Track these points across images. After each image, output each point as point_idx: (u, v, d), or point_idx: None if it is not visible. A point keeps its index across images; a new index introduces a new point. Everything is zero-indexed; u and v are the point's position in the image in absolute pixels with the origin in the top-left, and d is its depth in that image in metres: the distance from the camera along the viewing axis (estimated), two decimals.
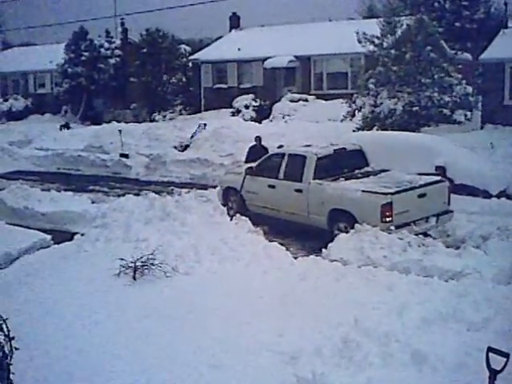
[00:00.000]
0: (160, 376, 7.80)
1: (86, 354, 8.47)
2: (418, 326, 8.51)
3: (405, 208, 13.76)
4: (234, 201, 17.11)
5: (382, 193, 13.72)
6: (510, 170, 19.24)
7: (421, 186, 14.42)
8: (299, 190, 15.22)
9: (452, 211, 15.04)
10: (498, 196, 17.49)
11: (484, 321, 8.42)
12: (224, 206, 16.89)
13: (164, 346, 8.61)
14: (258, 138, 19.64)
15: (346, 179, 15.00)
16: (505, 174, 18.47)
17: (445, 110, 25.20)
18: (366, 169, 16.06)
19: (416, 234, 13.44)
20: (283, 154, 16.21)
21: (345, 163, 15.89)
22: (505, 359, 5.53)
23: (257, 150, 19.00)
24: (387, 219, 13.48)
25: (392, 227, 13.39)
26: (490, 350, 5.63)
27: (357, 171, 15.77)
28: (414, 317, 8.82)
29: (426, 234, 14.09)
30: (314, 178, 15.05)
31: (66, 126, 40.78)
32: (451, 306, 9.09)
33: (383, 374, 7.34)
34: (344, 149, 16.21)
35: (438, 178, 15.42)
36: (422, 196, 14.22)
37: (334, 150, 15.87)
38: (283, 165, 15.87)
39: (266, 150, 19.05)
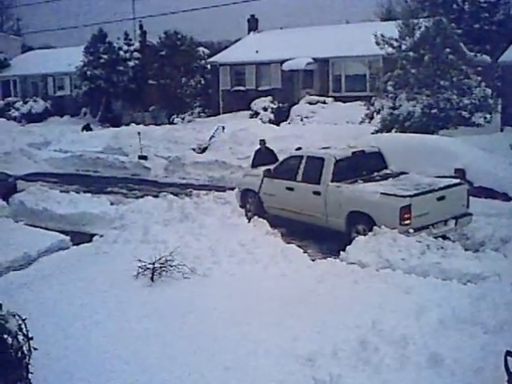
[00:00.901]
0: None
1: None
2: (436, 329, 8.49)
3: (424, 210, 13.69)
4: (252, 203, 17.10)
5: (400, 195, 13.65)
6: None
7: (440, 189, 14.34)
8: (317, 193, 15.17)
9: (471, 214, 14.94)
10: None
11: (502, 324, 8.38)
12: (242, 207, 16.95)
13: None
14: (263, 142, 19.63)
15: (365, 181, 14.92)
16: None
17: (464, 113, 25.13)
18: (385, 171, 15.94)
19: (435, 237, 13.40)
20: (301, 157, 16.14)
21: (363, 165, 15.77)
22: None
23: (262, 153, 19.08)
24: (406, 222, 13.42)
25: (411, 230, 13.33)
26: (508, 353, 5.60)
27: (375, 173, 15.66)
28: (431, 320, 8.80)
29: (444, 237, 14.04)
30: (332, 181, 14.99)
31: (87, 128, 40.97)
32: (469, 309, 9.05)
33: (400, 377, 7.34)
34: (362, 151, 16.11)
35: (457, 180, 15.35)
36: (440, 199, 14.15)
37: (353, 153, 15.78)
38: (301, 167, 15.82)
39: (271, 152, 19.19)
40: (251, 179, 17.43)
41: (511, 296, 9.61)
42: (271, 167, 16.87)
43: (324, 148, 16.93)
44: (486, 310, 8.89)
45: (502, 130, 28.47)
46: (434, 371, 7.43)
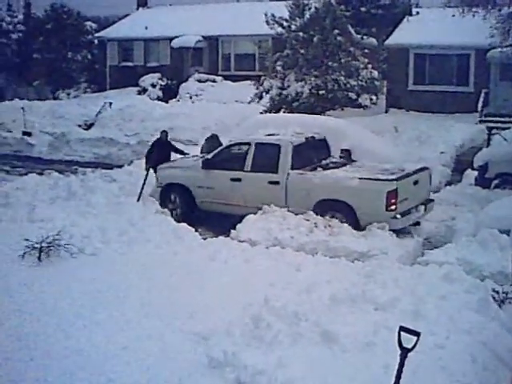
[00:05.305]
0: None
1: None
2: (327, 306, 8.60)
3: (405, 196, 13.02)
4: (180, 200, 15.23)
5: (386, 179, 12.97)
6: (413, 153, 19.76)
7: (414, 173, 13.68)
8: (275, 182, 14.03)
9: (433, 200, 14.52)
10: None
11: (391, 300, 8.58)
12: (163, 207, 14.89)
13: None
14: (165, 133, 17.48)
15: (325, 169, 14.10)
16: (408, 157, 18.91)
17: (351, 94, 25.64)
18: (332, 159, 15.02)
19: (410, 224, 13.24)
20: (248, 144, 14.73)
21: (315, 152, 14.83)
22: (415, 338, 5.65)
23: (161, 144, 17.08)
24: (392, 207, 12.73)
25: (398, 216, 12.77)
26: (401, 329, 5.74)
27: (327, 161, 14.76)
28: (322, 297, 8.89)
29: (418, 223, 13.85)
30: (291, 168, 14.02)
31: None
32: (359, 286, 9.23)
33: (294, 353, 7.38)
34: (313, 137, 15.08)
35: (422, 165, 14.69)
36: (415, 183, 13.56)
37: (306, 139, 14.79)
38: (250, 155, 14.46)
39: (170, 144, 17.54)
40: (177, 172, 15.50)
41: (399, 273, 9.89)
42: (209, 156, 15.23)
43: (270, 135, 15.22)
44: (375, 287, 9.09)
45: (386, 112, 29.26)
46: (327, 347, 7.52)
